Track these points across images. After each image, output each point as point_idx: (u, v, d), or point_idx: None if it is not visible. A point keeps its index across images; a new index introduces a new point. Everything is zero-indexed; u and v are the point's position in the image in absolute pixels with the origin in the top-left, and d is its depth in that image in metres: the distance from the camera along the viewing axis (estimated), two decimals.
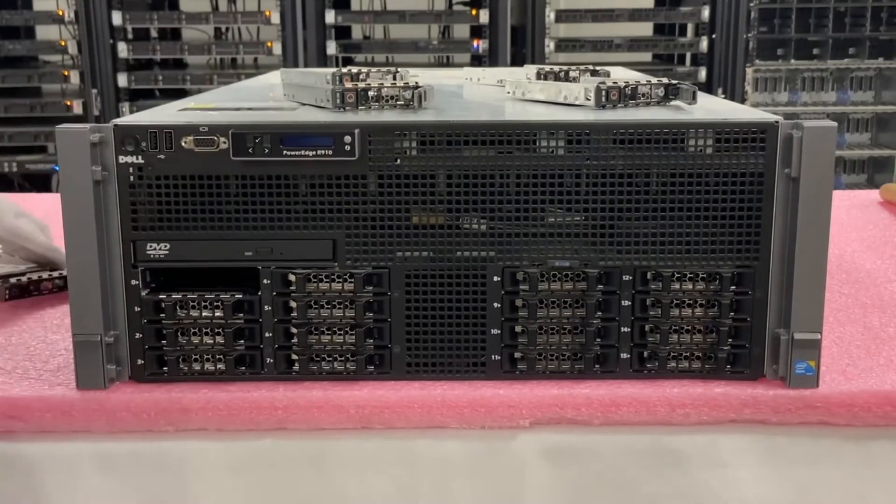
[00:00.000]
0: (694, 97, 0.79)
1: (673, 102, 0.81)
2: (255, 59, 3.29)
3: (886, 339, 0.82)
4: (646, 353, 0.73)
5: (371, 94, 0.77)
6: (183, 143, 0.70)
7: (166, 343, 0.73)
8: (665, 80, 0.81)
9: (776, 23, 3.13)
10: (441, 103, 0.82)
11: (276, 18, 3.09)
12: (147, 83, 3.11)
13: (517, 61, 3.14)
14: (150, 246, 0.71)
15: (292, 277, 0.72)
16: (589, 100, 0.79)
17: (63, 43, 3.09)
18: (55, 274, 0.96)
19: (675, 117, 0.71)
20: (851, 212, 1.30)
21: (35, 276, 0.94)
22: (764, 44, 3.14)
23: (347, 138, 0.69)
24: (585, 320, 0.72)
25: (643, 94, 0.80)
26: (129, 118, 0.74)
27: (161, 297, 0.72)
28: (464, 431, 0.72)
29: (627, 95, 0.80)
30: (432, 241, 0.71)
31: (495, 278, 0.72)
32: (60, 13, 3.06)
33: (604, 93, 0.79)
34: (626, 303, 0.72)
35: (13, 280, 0.93)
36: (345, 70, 0.79)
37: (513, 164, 0.70)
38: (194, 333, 0.73)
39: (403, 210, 0.71)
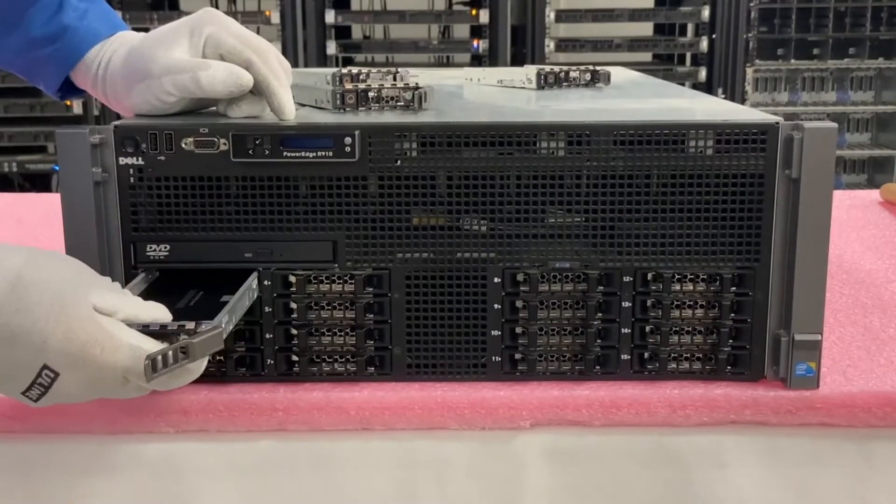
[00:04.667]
0: (608, 80, 1.00)
1: (597, 85, 0.99)
2: None
3: (887, 340, 0.82)
4: (646, 355, 0.73)
5: (371, 94, 0.77)
6: (183, 145, 0.70)
7: None
8: (591, 68, 1.00)
9: (776, 23, 3.13)
10: (441, 104, 0.82)
11: (276, 18, 3.09)
12: None
13: (517, 61, 3.14)
14: (151, 247, 0.71)
15: (292, 279, 0.72)
16: (531, 82, 0.97)
17: None
18: None
19: (675, 118, 0.71)
20: (851, 212, 1.30)
21: None
22: (764, 44, 3.14)
23: (348, 139, 0.69)
24: (586, 321, 0.72)
25: (574, 79, 0.99)
26: (129, 119, 0.74)
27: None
28: (464, 433, 0.72)
29: (562, 79, 0.98)
30: (433, 243, 0.71)
31: (496, 279, 0.72)
32: None
33: (543, 77, 0.97)
34: (626, 304, 0.72)
35: None
36: (345, 70, 0.78)
37: (513, 166, 0.70)
38: None
39: (404, 211, 0.71)
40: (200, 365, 0.64)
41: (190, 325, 0.62)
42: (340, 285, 0.72)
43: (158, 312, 0.64)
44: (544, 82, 0.98)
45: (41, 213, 1.30)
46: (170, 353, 0.59)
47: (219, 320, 0.63)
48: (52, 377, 0.59)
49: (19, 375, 0.59)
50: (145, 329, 0.62)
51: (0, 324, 0.58)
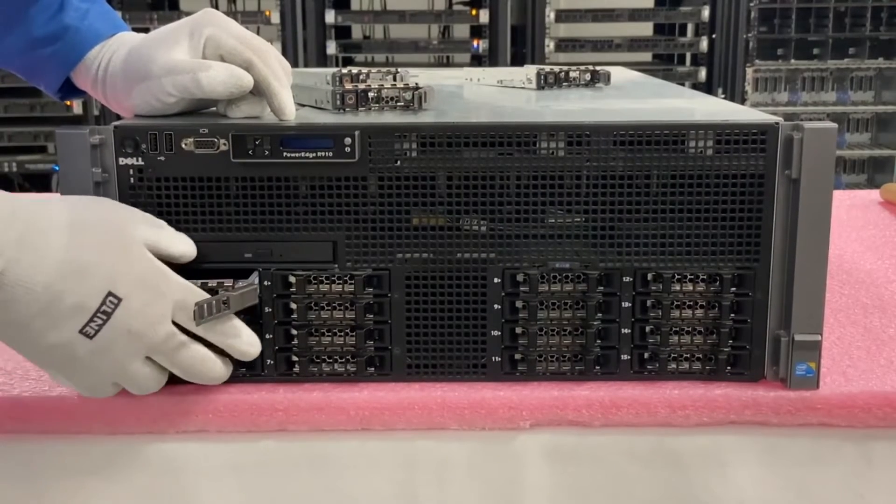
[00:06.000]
0: (608, 80, 0.99)
1: (597, 85, 0.99)
2: None
3: (887, 340, 0.82)
4: (646, 355, 0.73)
5: (371, 95, 0.77)
6: (183, 145, 0.70)
7: None
8: (591, 68, 1.00)
9: (776, 23, 3.13)
10: (441, 104, 0.82)
11: (276, 18, 3.09)
12: None
13: (517, 61, 3.15)
14: None
15: (292, 279, 0.72)
16: (531, 82, 0.97)
17: None
18: None
19: (675, 118, 0.71)
20: (851, 212, 1.30)
21: None
22: (764, 44, 3.15)
23: (347, 140, 0.69)
24: (586, 322, 0.72)
25: (574, 79, 0.98)
26: (128, 120, 0.74)
27: None
28: (464, 433, 0.72)
29: (561, 79, 0.98)
30: (433, 243, 0.71)
31: (495, 280, 0.72)
32: None
33: (543, 77, 0.97)
34: (626, 304, 0.72)
35: None
36: (345, 71, 0.78)
37: (513, 166, 0.70)
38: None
39: (404, 211, 0.71)
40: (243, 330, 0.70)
41: (228, 282, 0.69)
42: (340, 285, 0.72)
43: (187, 246, 0.70)
44: (544, 82, 0.98)
45: None
46: (213, 302, 0.67)
47: (252, 279, 0.70)
48: (115, 303, 0.64)
49: (85, 306, 0.63)
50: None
51: (69, 260, 0.62)
